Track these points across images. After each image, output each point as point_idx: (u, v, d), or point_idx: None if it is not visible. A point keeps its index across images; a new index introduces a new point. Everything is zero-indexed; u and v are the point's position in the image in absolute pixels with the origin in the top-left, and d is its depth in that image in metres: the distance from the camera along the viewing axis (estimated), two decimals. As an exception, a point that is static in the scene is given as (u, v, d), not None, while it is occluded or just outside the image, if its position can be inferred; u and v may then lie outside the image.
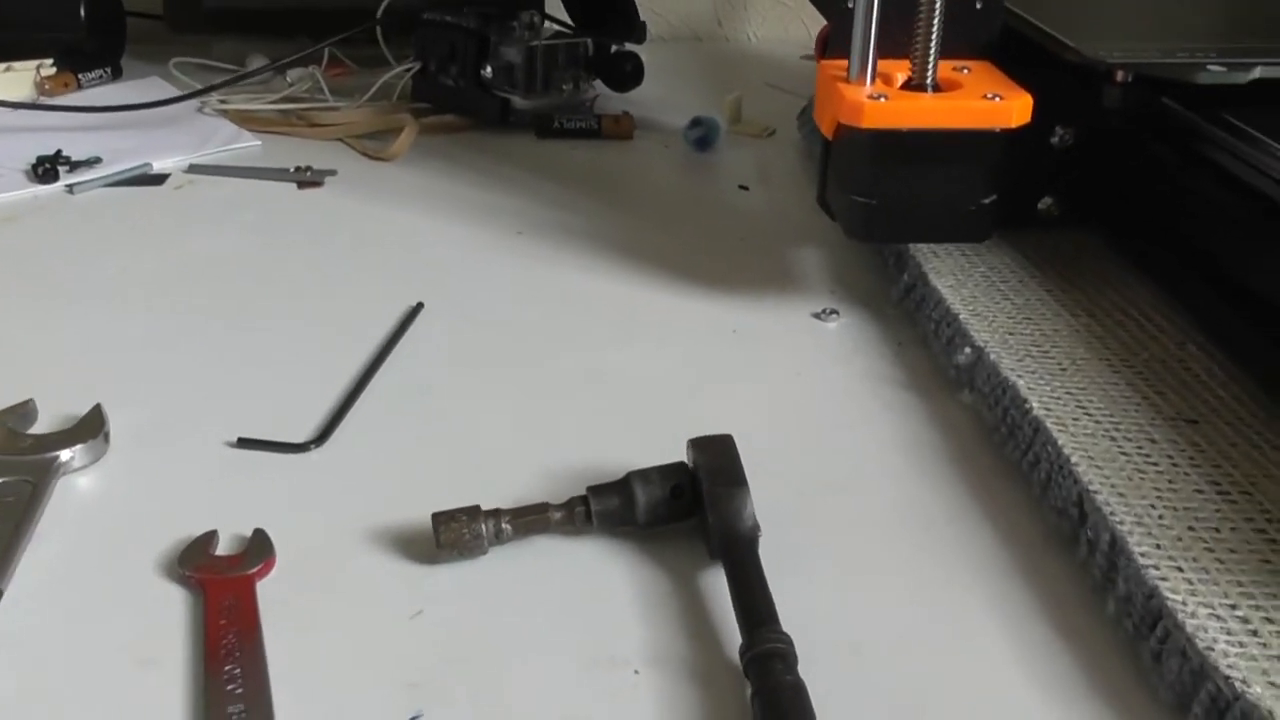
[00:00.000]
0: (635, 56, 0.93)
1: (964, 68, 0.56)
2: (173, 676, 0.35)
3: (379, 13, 0.94)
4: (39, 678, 0.35)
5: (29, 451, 0.44)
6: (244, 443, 0.47)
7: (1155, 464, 0.43)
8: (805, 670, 0.34)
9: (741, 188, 0.78)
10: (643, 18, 0.94)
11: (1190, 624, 0.35)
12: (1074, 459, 0.43)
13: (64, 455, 0.44)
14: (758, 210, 0.74)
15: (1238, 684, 0.32)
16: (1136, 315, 0.54)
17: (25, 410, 0.47)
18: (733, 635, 0.37)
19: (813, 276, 0.64)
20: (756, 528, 0.40)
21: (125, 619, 0.38)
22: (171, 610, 0.38)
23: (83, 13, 0.97)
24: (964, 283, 0.57)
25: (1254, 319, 0.49)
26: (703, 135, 0.84)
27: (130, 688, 0.35)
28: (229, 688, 0.34)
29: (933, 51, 0.53)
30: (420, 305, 0.59)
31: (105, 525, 0.42)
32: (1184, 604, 0.36)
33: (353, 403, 0.50)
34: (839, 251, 0.66)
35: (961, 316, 0.53)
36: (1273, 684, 0.33)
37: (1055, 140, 0.60)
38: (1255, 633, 0.35)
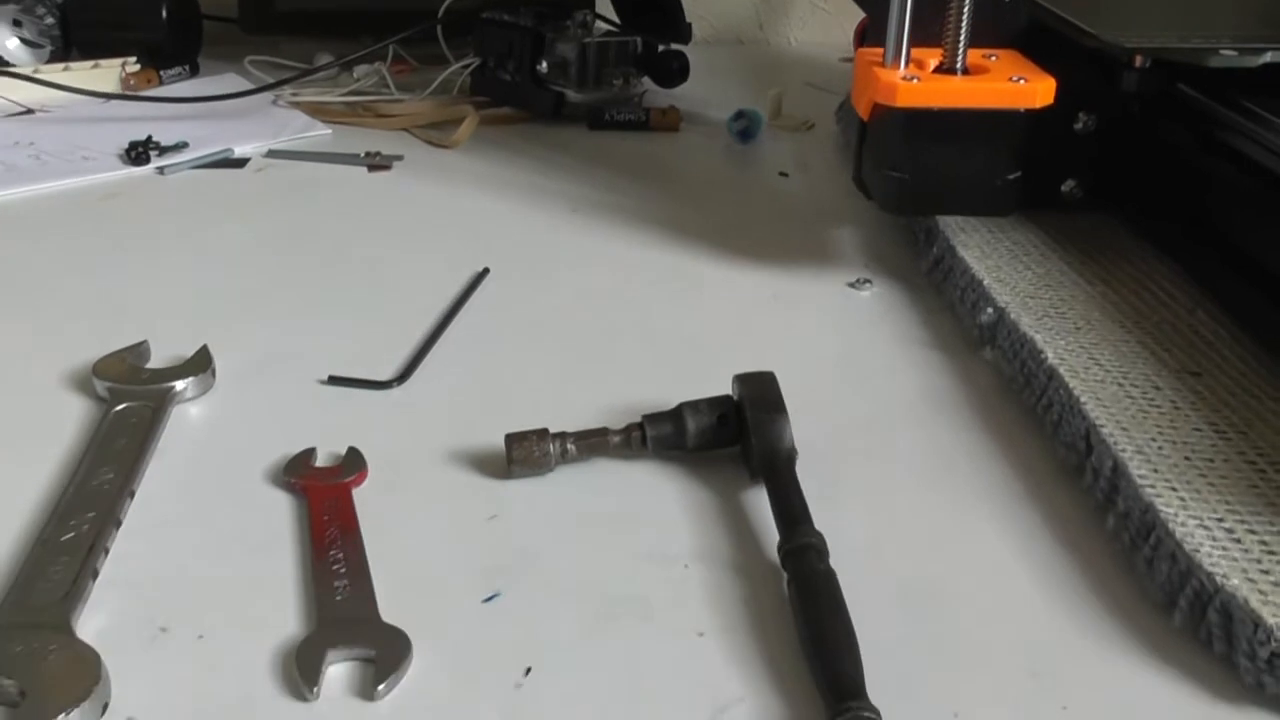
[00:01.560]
0: (682, 55, 0.98)
1: (992, 55, 0.60)
2: (284, 561, 0.40)
3: (440, 12, 0.99)
4: (170, 561, 0.41)
5: (148, 382, 0.50)
6: (334, 380, 0.52)
7: (1158, 406, 0.47)
8: (834, 568, 0.39)
9: (781, 174, 0.83)
10: (687, 19, 1.00)
11: (1180, 532, 0.39)
12: (1083, 400, 0.47)
13: (178, 385, 0.50)
14: (796, 194, 0.79)
15: (1219, 579, 0.37)
16: (1151, 286, 0.58)
17: (140, 349, 0.53)
18: (771, 539, 0.41)
19: (848, 251, 0.69)
20: (794, 450, 0.45)
21: (240, 516, 0.43)
22: (279, 511, 0.43)
23: (164, 14, 1.04)
24: (989, 254, 0.61)
25: (1261, 288, 0.53)
26: (746, 127, 0.89)
27: (249, 569, 0.40)
28: (334, 567, 0.39)
29: (963, 38, 0.58)
30: (486, 270, 0.64)
31: (217, 444, 0.48)
32: (1175, 516, 0.40)
33: (430, 347, 0.55)
34: (872, 229, 0.71)
35: (985, 282, 0.58)
36: (1250, 580, 0.37)
37: (1078, 125, 0.64)
38: (1239, 541, 0.39)
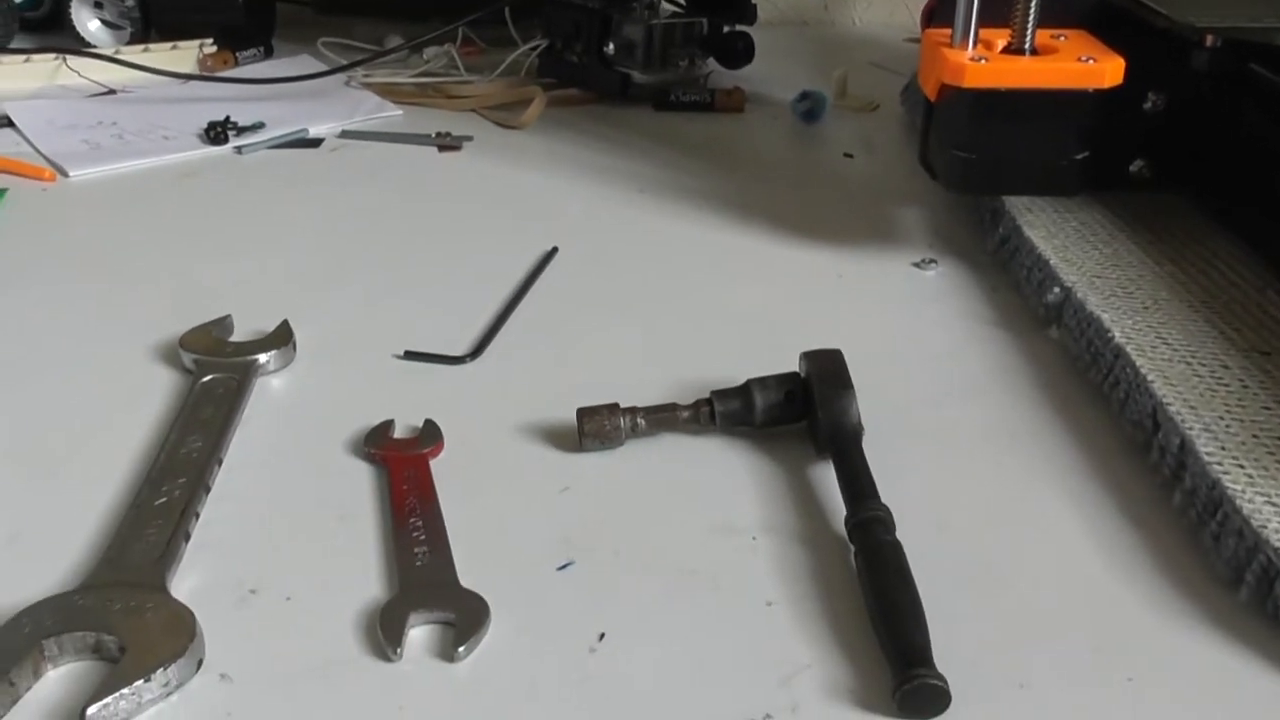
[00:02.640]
0: (746, 35, 0.98)
1: (1061, 35, 0.60)
2: (366, 528, 0.42)
3: (509, -6, 1.01)
4: (258, 526, 0.42)
5: (232, 355, 0.52)
6: (410, 355, 0.53)
7: (1226, 385, 0.47)
8: (901, 541, 0.40)
9: (846, 155, 0.83)
10: (754, 0, 1.00)
11: (1247, 508, 0.39)
12: (1150, 378, 0.47)
13: (261, 358, 0.51)
14: (862, 175, 0.80)
15: (1286, 554, 0.37)
16: (1220, 265, 0.58)
17: (224, 323, 0.54)
18: (838, 513, 0.42)
19: (913, 231, 0.69)
20: (860, 426, 0.45)
21: (323, 485, 0.45)
22: (360, 480, 0.45)
23: (240, -2, 1.06)
24: (1055, 234, 0.61)
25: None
26: (810, 108, 0.89)
27: (333, 535, 0.42)
28: (414, 534, 0.40)
29: (1031, 19, 0.58)
30: (555, 249, 0.65)
31: (300, 414, 0.49)
32: (1243, 492, 0.40)
33: (502, 324, 0.56)
34: (938, 210, 0.71)
35: (1052, 261, 0.58)
36: (1317, 556, 0.37)
37: (1148, 105, 0.64)
38: (1305, 517, 0.39)
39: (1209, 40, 0.58)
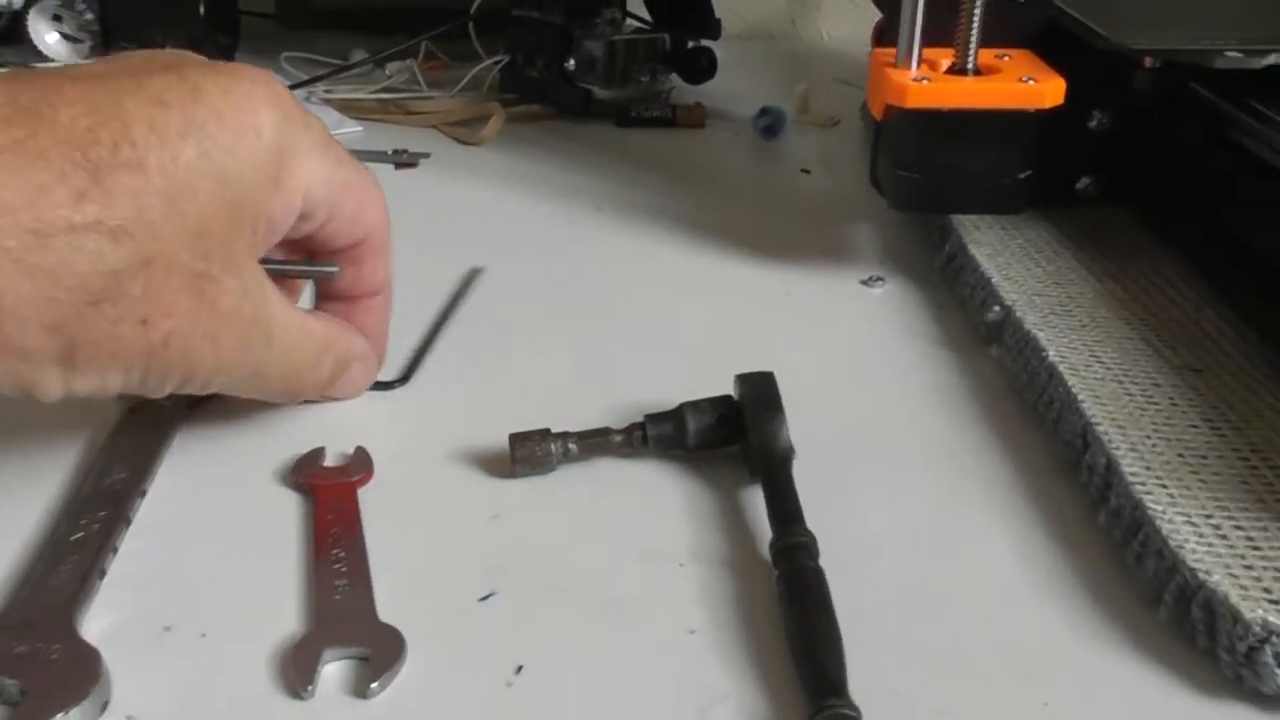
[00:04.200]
0: (709, 51, 0.99)
1: (1005, 55, 0.60)
2: (288, 560, 0.42)
3: (472, 9, 1.01)
4: (178, 560, 0.42)
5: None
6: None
7: (1156, 403, 0.47)
8: (826, 566, 0.40)
9: (804, 171, 0.83)
10: (719, 15, 1.00)
11: (1167, 528, 0.39)
12: (1081, 398, 0.47)
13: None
14: (818, 191, 0.80)
15: (1201, 574, 0.37)
16: (1160, 283, 0.58)
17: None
18: (766, 538, 0.42)
19: (864, 248, 0.69)
20: (791, 450, 0.45)
21: (248, 516, 0.44)
22: (287, 510, 0.45)
23: (202, 10, 1.06)
24: (1000, 252, 0.61)
25: (1268, 286, 0.53)
26: (770, 124, 0.89)
27: (255, 568, 0.41)
28: (335, 566, 0.40)
29: (974, 39, 0.58)
30: (479, 269, 0.64)
31: (230, 442, 0.49)
32: (1164, 513, 0.40)
33: (428, 347, 0.56)
34: (891, 226, 0.71)
35: (994, 280, 0.58)
36: (1233, 575, 0.37)
37: (1092, 124, 0.64)
38: (1224, 537, 0.39)
39: (1148, 61, 0.58)
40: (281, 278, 0.47)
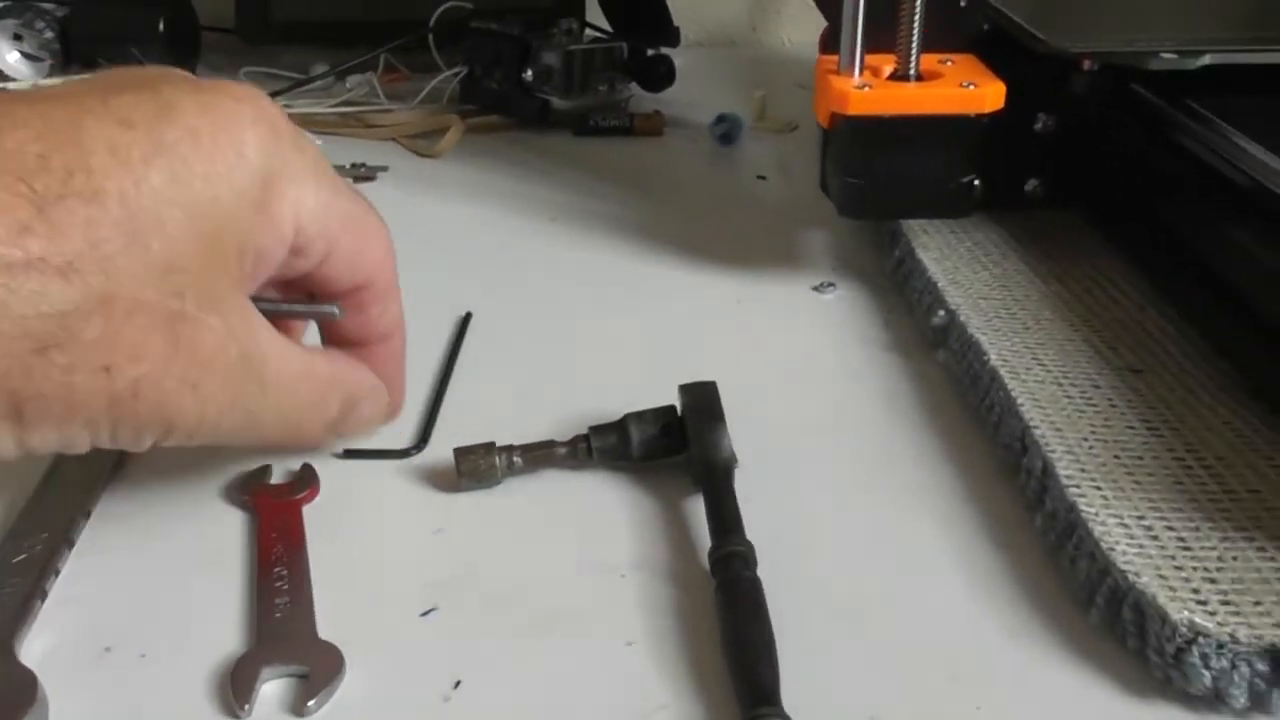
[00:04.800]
0: (668, 59, 0.99)
1: (947, 60, 0.61)
2: (231, 579, 0.42)
3: (431, 21, 1.01)
4: (120, 580, 0.42)
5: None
6: (350, 454, 0.49)
7: (1095, 405, 0.48)
8: (765, 574, 0.40)
9: (760, 177, 0.84)
10: (679, 23, 1.01)
11: (1099, 530, 0.40)
12: (1021, 401, 0.48)
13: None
14: (773, 197, 0.80)
15: (1131, 576, 0.38)
16: (1104, 284, 0.59)
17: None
18: (706, 546, 0.42)
19: (817, 254, 0.70)
20: (733, 459, 0.46)
21: (193, 534, 0.45)
22: (232, 528, 0.45)
23: (161, 26, 1.06)
24: (948, 255, 0.62)
25: (1206, 285, 0.54)
26: (726, 130, 0.90)
27: (198, 587, 0.42)
28: (277, 584, 0.41)
29: (914, 45, 0.58)
30: (469, 315, 0.62)
31: (178, 460, 0.49)
32: (1096, 515, 0.41)
33: (439, 406, 0.53)
34: (842, 232, 0.71)
35: (940, 284, 0.58)
36: (1162, 576, 0.38)
37: (1038, 126, 0.65)
38: (1156, 538, 0.40)
39: (1085, 64, 0.59)
40: (277, 318, 0.41)
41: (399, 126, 0.94)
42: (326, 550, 0.43)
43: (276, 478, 0.47)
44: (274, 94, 0.96)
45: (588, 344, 0.59)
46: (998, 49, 0.62)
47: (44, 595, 0.40)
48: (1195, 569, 0.38)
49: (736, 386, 0.49)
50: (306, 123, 0.95)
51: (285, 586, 0.40)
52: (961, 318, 0.55)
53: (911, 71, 0.59)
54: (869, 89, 0.58)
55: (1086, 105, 0.63)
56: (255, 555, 0.43)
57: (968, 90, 0.57)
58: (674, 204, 0.79)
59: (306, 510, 0.45)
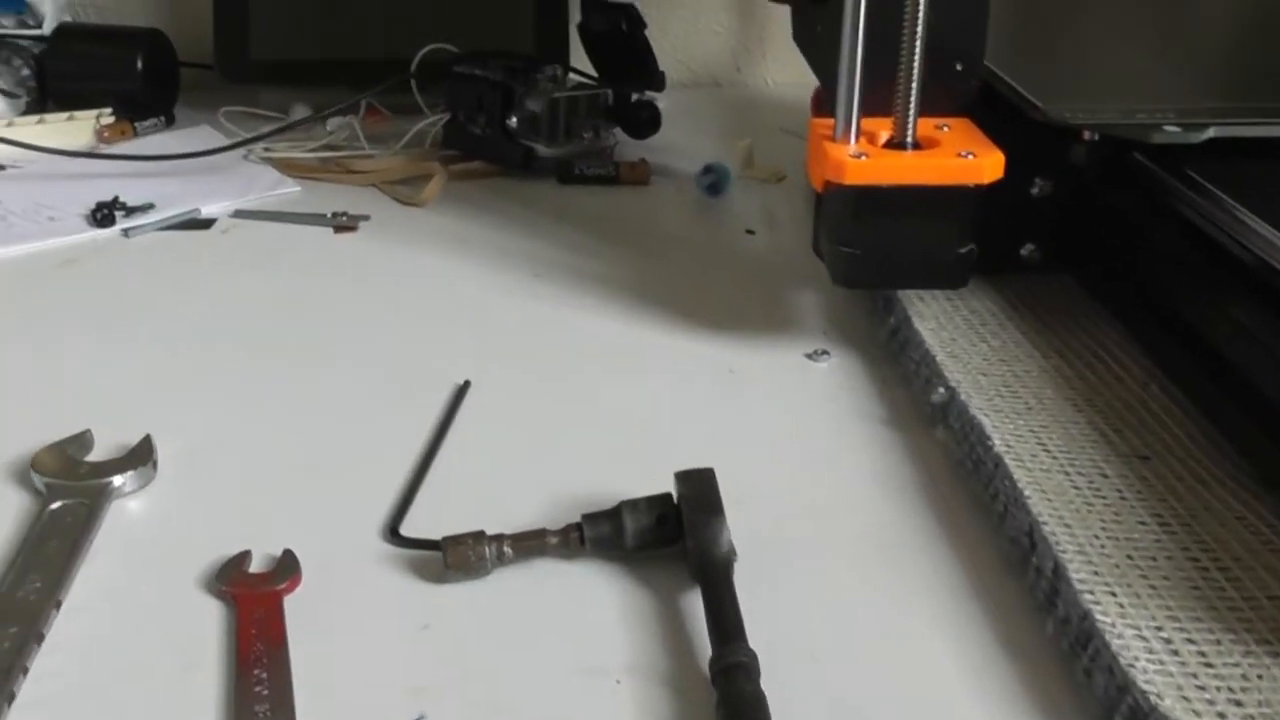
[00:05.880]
0: (652, 105, 0.98)
1: (944, 125, 0.60)
2: (209, 679, 0.40)
3: (413, 64, 0.99)
4: (93, 676, 0.40)
5: (85, 477, 0.49)
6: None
7: (1104, 497, 0.47)
8: (767, 678, 0.39)
9: (748, 232, 0.82)
10: (663, 65, 1.00)
11: (1116, 644, 0.39)
12: (1028, 493, 0.47)
13: (116, 481, 0.49)
14: (762, 254, 0.79)
15: (1153, 697, 0.36)
16: (1105, 357, 0.58)
17: (83, 440, 0.52)
18: (706, 649, 0.41)
19: (808, 319, 0.68)
20: (732, 553, 0.44)
21: (169, 628, 0.42)
22: (210, 621, 0.43)
23: (139, 65, 1.04)
24: (945, 325, 0.61)
25: (1205, 361, 0.53)
26: (713, 182, 0.88)
27: (174, 688, 0.40)
28: (256, 689, 0.39)
29: (912, 111, 0.57)
30: (468, 383, 0.60)
31: (152, 545, 0.47)
32: (1113, 626, 0.39)
33: (417, 489, 0.51)
34: (834, 295, 0.70)
35: (938, 358, 0.57)
36: (1185, 698, 0.36)
37: (1035, 191, 0.64)
38: (1176, 652, 0.38)
39: (1085, 135, 0.58)
40: None
41: (381, 172, 0.92)
42: (309, 648, 0.41)
43: (256, 564, 0.45)
44: (253, 139, 0.95)
45: (576, 418, 0.58)
46: (994, 111, 0.61)
47: (12, 697, 0.38)
48: (1219, 689, 0.37)
49: (731, 467, 0.48)
50: (287, 166, 0.93)
51: (266, 692, 0.38)
52: (962, 396, 0.54)
53: (909, 139, 0.58)
54: (866, 158, 0.57)
55: (1085, 173, 0.62)
56: (235, 654, 0.41)
57: (967, 160, 0.56)
58: (661, 261, 0.77)
59: (288, 601, 0.43)
